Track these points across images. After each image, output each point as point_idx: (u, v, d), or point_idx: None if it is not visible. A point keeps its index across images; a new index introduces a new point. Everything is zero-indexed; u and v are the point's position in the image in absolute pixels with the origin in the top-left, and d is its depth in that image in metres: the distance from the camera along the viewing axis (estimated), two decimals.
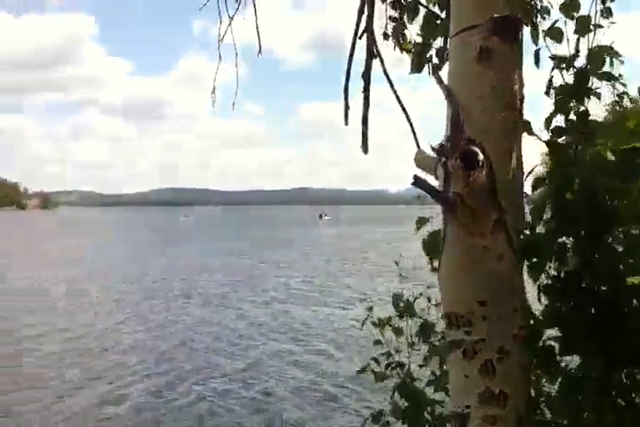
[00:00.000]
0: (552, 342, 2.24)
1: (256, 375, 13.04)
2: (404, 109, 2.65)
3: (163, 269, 33.01)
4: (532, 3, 2.53)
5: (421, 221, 2.79)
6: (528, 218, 2.26)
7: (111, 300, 23.28)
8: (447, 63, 2.34)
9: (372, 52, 2.75)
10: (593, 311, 2.14)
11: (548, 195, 2.24)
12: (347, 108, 2.82)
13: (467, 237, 2.02)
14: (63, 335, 16.79)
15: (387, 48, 3.18)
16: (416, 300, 3.59)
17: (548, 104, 2.37)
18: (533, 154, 2.30)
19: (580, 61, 2.34)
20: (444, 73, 2.31)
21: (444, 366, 2.97)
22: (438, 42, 2.98)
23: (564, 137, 2.31)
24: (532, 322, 2.17)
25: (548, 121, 2.35)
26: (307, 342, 16.02)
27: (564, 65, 2.35)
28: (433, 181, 2.15)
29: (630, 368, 2.11)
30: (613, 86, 2.33)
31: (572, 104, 2.32)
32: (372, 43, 2.76)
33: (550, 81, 2.39)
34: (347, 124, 2.84)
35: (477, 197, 1.99)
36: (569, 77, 2.37)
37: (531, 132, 2.27)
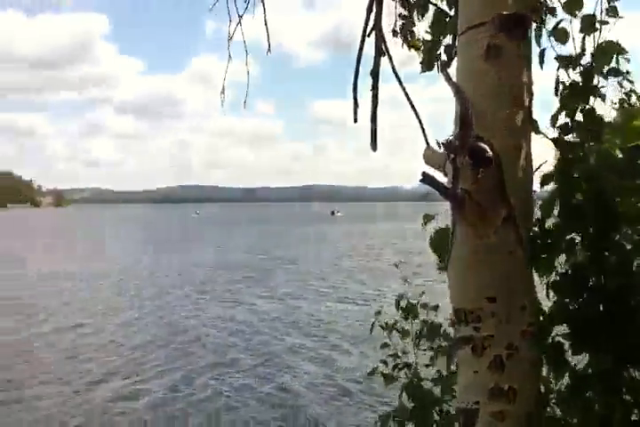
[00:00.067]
0: (561, 339, 2.24)
1: (271, 370, 13.10)
2: (412, 107, 2.66)
3: (176, 265, 33.19)
4: (542, 0, 2.52)
5: (427, 218, 2.80)
6: (537, 215, 2.26)
7: (126, 295, 23.47)
8: (456, 60, 2.35)
9: (381, 50, 2.76)
10: (602, 308, 2.14)
11: (555, 193, 2.24)
12: (356, 105, 2.84)
13: (475, 233, 2.04)
14: (79, 331, 16.96)
15: (395, 46, 3.19)
16: (418, 303, 3.61)
17: (556, 102, 2.37)
18: (544, 151, 2.30)
19: (586, 60, 2.33)
20: (453, 70, 2.32)
21: (452, 367, 2.98)
22: (447, 39, 2.98)
23: (570, 135, 2.31)
24: (541, 319, 2.18)
25: (554, 119, 2.35)
26: (321, 338, 16.06)
27: (569, 65, 2.35)
28: (442, 177, 2.16)
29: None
30: (620, 84, 2.32)
31: (578, 102, 2.31)
32: (380, 40, 2.77)
33: (557, 81, 2.39)
34: (356, 121, 2.85)
35: (486, 193, 2.00)
36: (576, 76, 2.36)
37: (537, 131, 2.27)
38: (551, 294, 2.25)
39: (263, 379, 12.50)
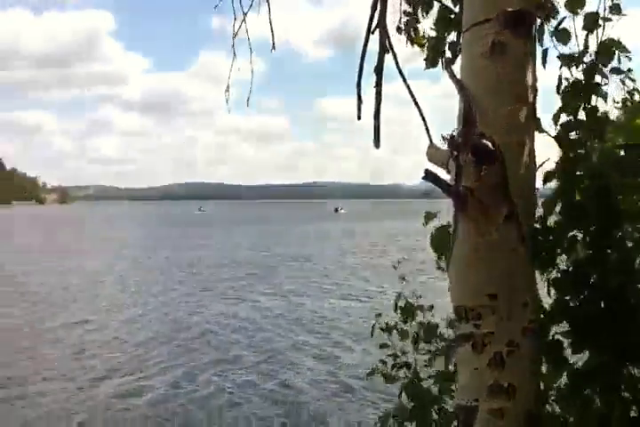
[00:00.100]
0: (560, 337, 2.24)
1: (274, 367, 13.11)
2: (416, 104, 2.66)
3: (179, 262, 33.25)
4: None
5: (429, 216, 2.80)
6: (540, 212, 2.25)
7: (129, 292, 23.53)
8: (460, 57, 2.34)
9: (385, 47, 2.76)
10: (602, 306, 2.14)
11: (558, 190, 2.24)
12: (359, 102, 2.84)
13: (477, 230, 2.03)
14: (83, 327, 17.01)
15: (400, 43, 3.18)
16: (416, 303, 3.60)
17: (559, 101, 2.37)
18: (546, 149, 2.30)
19: (589, 58, 2.33)
20: (457, 67, 2.31)
21: (450, 367, 2.97)
22: (451, 36, 2.98)
23: (573, 133, 2.30)
24: (541, 316, 2.17)
25: (557, 117, 2.34)
26: (324, 335, 16.07)
27: (572, 63, 2.35)
28: (445, 175, 2.16)
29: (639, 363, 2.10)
30: (623, 82, 2.31)
31: (580, 100, 2.31)
32: (384, 37, 2.77)
33: (560, 79, 2.38)
34: (359, 118, 2.85)
35: (488, 191, 2.00)
36: (578, 74, 2.36)
37: (540, 129, 2.26)
38: (552, 291, 2.24)
39: (266, 375, 12.51)
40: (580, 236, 2.22)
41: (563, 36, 2.38)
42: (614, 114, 2.29)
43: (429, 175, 1.99)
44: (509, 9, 2.08)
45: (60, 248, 41.65)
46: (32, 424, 9.90)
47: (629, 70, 2.28)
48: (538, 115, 2.20)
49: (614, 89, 2.33)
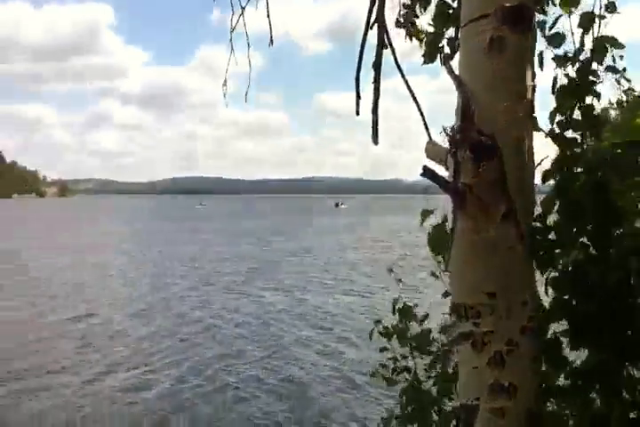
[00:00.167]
0: (559, 336, 2.23)
1: (278, 362, 13.17)
2: (414, 99, 2.64)
3: (182, 257, 33.33)
4: None
5: (425, 214, 2.77)
6: (539, 211, 2.24)
7: (133, 286, 23.61)
8: (458, 53, 2.32)
9: (383, 42, 2.74)
10: (601, 305, 2.12)
11: (555, 188, 2.22)
12: (358, 97, 2.82)
13: (476, 228, 2.02)
14: (87, 321, 17.10)
15: (398, 37, 3.16)
16: (413, 307, 3.59)
17: (554, 100, 2.35)
18: (544, 148, 2.28)
19: (584, 56, 2.31)
20: (456, 63, 2.29)
21: (448, 370, 2.96)
22: (450, 31, 2.95)
23: (569, 131, 2.28)
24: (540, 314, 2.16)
25: (553, 116, 2.33)
26: (328, 330, 16.11)
27: (568, 62, 2.33)
28: (444, 171, 2.14)
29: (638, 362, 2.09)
30: (618, 82, 2.29)
31: (574, 99, 2.29)
32: (382, 32, 2.75)
33: (555, 79, 2.36)
34: (358, 113, 2.84)
35: (487, 188, 1.98)
36: (574, 73, 2.34)
37: (537, 127, 2.24)
38: (549, 291, 2.23)
39: (270, 370, 12.56)
40: (578, 234, 2.21)
41: (556, 39, 2.36)
42: (610, 114, 2.27)
43: (427, 172, 1.98)
44: (507, 4, 2.05)
45: (60, 243, 41.72)
46: (37, 418, 9.97)
47: (624, 70, 2.26)
48: (535, 113, 2.18)
49: (609, 88, 2.31)
